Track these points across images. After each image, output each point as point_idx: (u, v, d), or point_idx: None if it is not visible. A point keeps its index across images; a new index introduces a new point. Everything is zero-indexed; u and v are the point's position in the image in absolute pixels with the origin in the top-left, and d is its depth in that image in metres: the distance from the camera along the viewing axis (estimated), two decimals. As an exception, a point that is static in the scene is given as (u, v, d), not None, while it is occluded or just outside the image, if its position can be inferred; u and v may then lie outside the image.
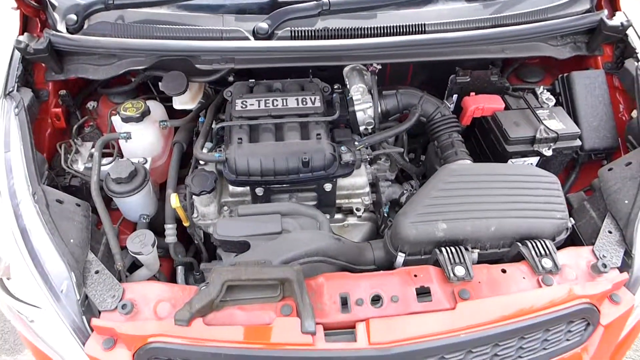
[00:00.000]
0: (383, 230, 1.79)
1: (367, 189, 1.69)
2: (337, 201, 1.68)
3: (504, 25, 1.68)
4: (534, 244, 1.38)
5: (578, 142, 1.69)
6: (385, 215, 1.78)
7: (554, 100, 1.78)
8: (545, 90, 1.82)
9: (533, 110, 1.71)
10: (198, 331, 1.21)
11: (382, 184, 1.83)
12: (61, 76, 1.68)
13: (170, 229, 1.58)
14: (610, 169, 1.59)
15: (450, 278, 1.29)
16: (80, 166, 1.65)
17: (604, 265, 1.36)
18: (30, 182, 1.37)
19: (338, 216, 1.74)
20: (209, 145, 1.64)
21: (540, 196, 1.45)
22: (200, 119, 1.75)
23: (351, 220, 1.75)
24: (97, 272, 1.34)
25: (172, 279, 1.71)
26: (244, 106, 1.57)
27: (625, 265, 1.41)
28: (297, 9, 1.61)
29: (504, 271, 1.37)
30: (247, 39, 1.59)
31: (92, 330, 1.26)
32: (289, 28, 1.60)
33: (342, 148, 1.53)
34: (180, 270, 1.66)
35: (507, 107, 1.77)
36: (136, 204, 1.56)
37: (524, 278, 1.35)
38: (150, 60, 1.60)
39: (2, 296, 1.35)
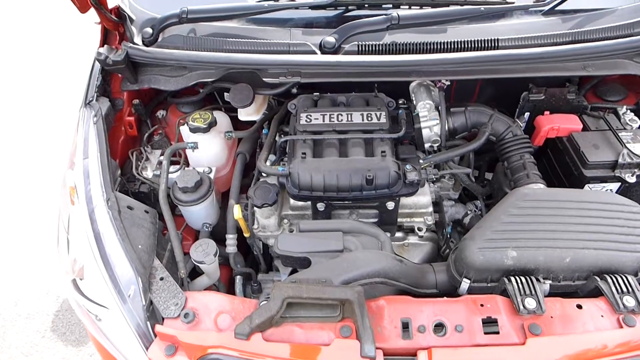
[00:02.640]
0: (444, 251, 1.73)
1: (430, 209, 1.64)
2: (399, 219, 1.64)
3: (585, 40, 1.58)
4: (615, 279, 1.28)
5: (666, 168, 1.55)
6: (448, 236, 1.72)
7: (639, 123, 1.65)
8: (628, 111, 1.69)
9: (615, 132, 1.59)
10: (257, 346, 1.21)
11: (445, 204, 1.78)
12: (135, 86, 1.76)
13: (231, 239, 1.61)
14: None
15: (520, 310, 1.22)
16: (149, 173, 1.71)
17: (697, 308, 1.23)
18: (105, 189, 1.44)
19: (398, 234, 1.70)
20: (272, 157, 1.66)
21: (622, 227, 1.35)
22: (263, 131, 1.77)
23: (412, 239, 1.70)
24: (162, 278, 1.38)
25: (231, 286, 1.74)
26: (308, 120, 1.57)
27: None
28: (365, 23, 1.59)
29: (579, 307, 1.27)
30: (313, 52, 1.59)
31: (155, 335, 1.29)
32: (356, 42, 1.59)
33: (407, 167, 1.49)
34: (238, 280, 1.68)
35: (585, 128, 1.66)
36: (200, 213, 1.60)
37: (602, 316, 1.25)
38: (218, 73, 1.63)
39: (74, 294, 1.42)
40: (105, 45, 1.73)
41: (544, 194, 1.40)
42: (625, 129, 1.65)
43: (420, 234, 1.63)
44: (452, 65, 1.54)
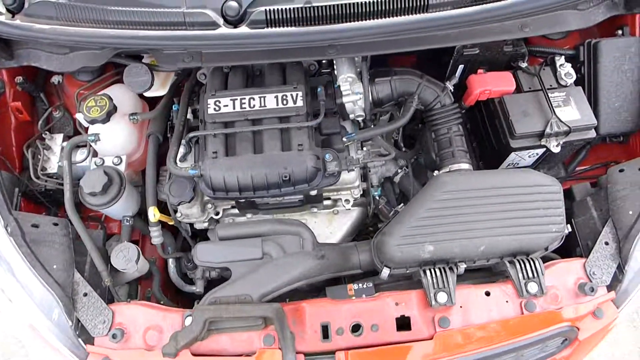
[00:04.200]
0: (374, 211, 1.73)
1: (357, 183, 1.59)
2: (326, 194, 1.61)
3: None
4: (522, 265, 1.35)
5: (592, 134, 1.51)
6: (377, 198, 1.71)
7: (574, 77, 1.54)
8: (565, 63, 1.56)
9: (547, 94, 1.50)
10: (186, 362, 1.28)
11: (375, 163, 1.73)
12: (12, 63, 1.50)
13: (154, 231, 1.55)
14: (621, 170, 1.45)
15: (432, 305, 1.30)
16: (53, 165, 1.57)
17: (592, 289, 1.33)
18: (1, 214, 1.32)
19: (327, 203, 1.68)
20: (185, 143, 1.51)
21: (537, 209, 1.37)
22: (174, 107, 1.58)
23: (341, 207, 1.69)
24: (85, 294, 1.37)
25: (166, 265, 1.75)
26: (217, 108, 1.40)
27: (615, 280, 1.38)
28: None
29: (487, 294, 1.36)
30: (215, 25, 1.34)
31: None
32: (264, 8, 1.34)
33: (327, 156, 1.41)
34: (171, 262, 1.69)
35: (519, 88, 1.55)
36: (116, 210, 1.52)
37: (507, 302, 1.35)
38: (105, 55, 1.39)
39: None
40: (-41, 17, 1.42)
41: (463, 183, 1.37)
42: (559, 85, 1.55)
43: (348, 206, 1.62)
44: (374, 36, 1.34)
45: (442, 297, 1.31)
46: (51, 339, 1.33)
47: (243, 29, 1.35)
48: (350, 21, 1.33)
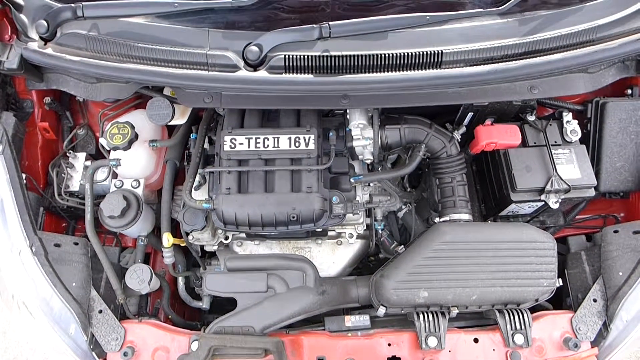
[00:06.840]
0: (377, 242, 1.81)
1: (361, 219, 1.67)
2: (331, 227, 1.68)
3: (539, 51, 1.41)
4: (511, 316, 1.43)
5: (591, 193, 1.56)
6: (380, 231, 1.78)
7: (579, 135, 1.59)
8: (572, 120, 1.60)
9: (550, 152, 1.55)
10: (190, 384, 1.38)
11: (381, 198, 1.80)
12: (42, 85, 1.58)
13: (167, 252, 1.64)
14: (615, 231, 1.51)
15: (423, 347, 1.39)
16: (75, 183, 1.65)
17: (576, 345, 1.41)
18: (27, 234, 1.42)
19: (332, 233, 1.76)
20: (201, 172, 1.60)
21: (530, 264, 1.44)
22: (192, 135, 1.66)
23: (344, 239, 1.76)
24: (100, 311, 1.47)
25: (175, 279, 1.85)
26: (232, 146, 1.48)
27: (600, 336, 1.45)
28: (292, 34, 1.38)
29: (476, 340, 1.44)
30: (235, 67, 1.41)
31: (101, 362, 1.45)
32: (283, 54, 1.40)
33: (334, 199, 1.48)
34: (180, 280, 1.79)
35: (524, 142, 1.60)
36: (132, 231, 1.61)
37: (493, 350, 1.43)
38: (130, 89, 1.47)
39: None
40: (-4, 41, 1.50)
41: (462, 235, 1.44)
42: (565, 140, 1.60)
43: (351, 240, 1.69)
44: (386, 90, 1.40)
45: (432, 341, 1.39)
46: (67, 351, 1.44)
47: (262, 73, 1.41)
48: (365, 72, 1.39)
